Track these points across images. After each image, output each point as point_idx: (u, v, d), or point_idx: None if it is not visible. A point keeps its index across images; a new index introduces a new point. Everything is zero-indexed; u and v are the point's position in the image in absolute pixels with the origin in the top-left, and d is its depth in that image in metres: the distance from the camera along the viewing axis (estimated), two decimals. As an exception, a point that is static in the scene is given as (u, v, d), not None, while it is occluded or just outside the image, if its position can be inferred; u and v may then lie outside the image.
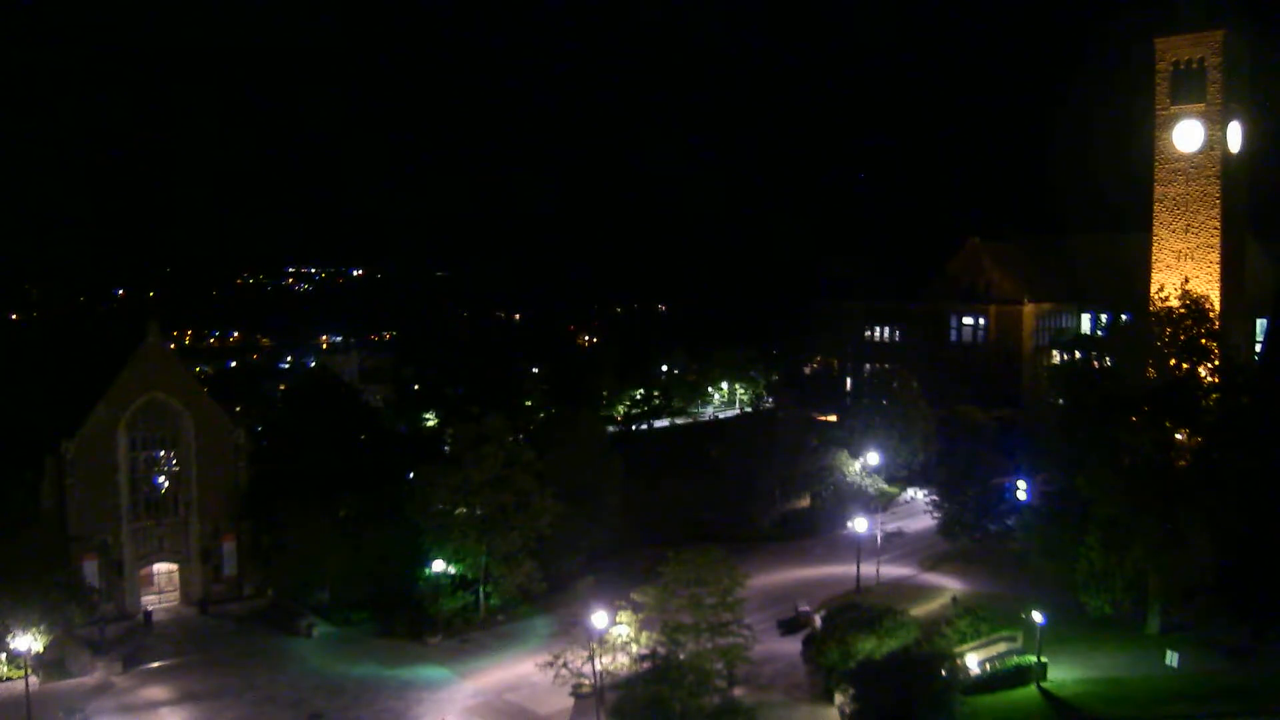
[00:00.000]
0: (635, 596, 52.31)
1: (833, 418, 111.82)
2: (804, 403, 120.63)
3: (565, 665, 50.27)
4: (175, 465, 70.75)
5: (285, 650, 62.58)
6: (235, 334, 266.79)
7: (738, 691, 51.19)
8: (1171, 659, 52.64)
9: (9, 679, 55.89)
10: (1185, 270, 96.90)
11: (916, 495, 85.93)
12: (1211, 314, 63.85)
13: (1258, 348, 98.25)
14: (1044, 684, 52.15)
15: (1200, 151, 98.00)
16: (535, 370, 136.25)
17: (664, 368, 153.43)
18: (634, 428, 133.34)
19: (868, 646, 52.58)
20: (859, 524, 70.17)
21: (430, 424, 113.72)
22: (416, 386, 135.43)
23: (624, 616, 52.25)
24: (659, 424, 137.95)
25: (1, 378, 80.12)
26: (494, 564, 65.10)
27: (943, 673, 48.86)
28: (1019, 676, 52.38)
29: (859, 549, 68.91)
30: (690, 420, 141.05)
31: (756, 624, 55.55)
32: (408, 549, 66.58)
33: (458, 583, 66.05)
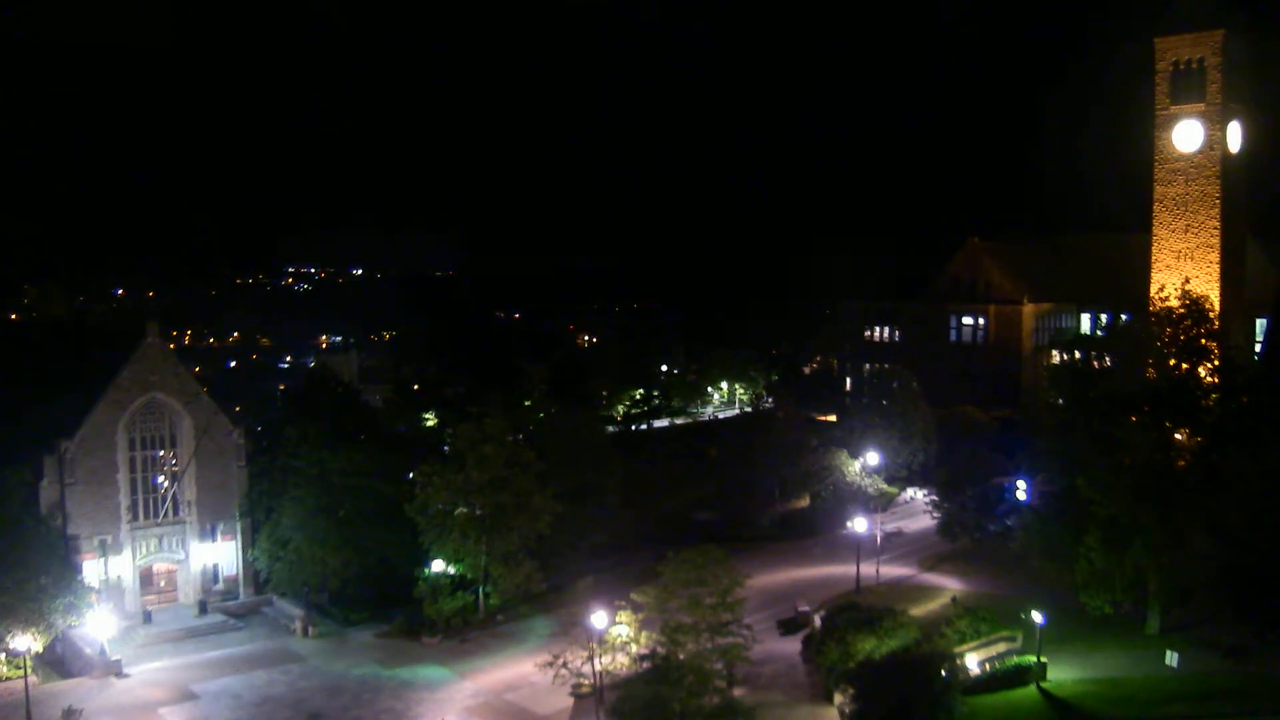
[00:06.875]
0: (635, 596, 52.25)
1: (833, 418, 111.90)
2: (803, 403, 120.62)
3: (565, 665, 50.31)
4: (175, 465, 70.81)
5: (284, 650, 62.60)
6: (235, 334, 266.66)
7: (738, 691, 51.09)
8: (1171, 659, 52.57)
9: (9, 679, 55.93)
10: (1185, 270, 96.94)
11: (916, 495, 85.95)
12: (1211, 314, 64.04)
13: (1258, 348, 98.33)
14: (1044, 684, 52.15)
15: (1200, 151, 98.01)
16: (535, 370, 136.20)
17: (664, 368, 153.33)
18: (634, 428, 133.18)
19: (868, 646, 52.46)
20: (859, 524, 70.16)
21: (430, 424, 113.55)
22: (416, 386, 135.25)
23: (624, 616, 52.24)
24: (659, 424, 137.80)
25: (1, 378, 79.94)
26: (493, 564, 65.08)
27: (943, 673, 48.77)
28: (1019, 676, 52.38)
29: (859, 549, 68.92)
30: (690, 420, 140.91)
31: (756, 624, 55.46)
32: (408, 549, 66.62)
33: (457, 583, 66.05)
